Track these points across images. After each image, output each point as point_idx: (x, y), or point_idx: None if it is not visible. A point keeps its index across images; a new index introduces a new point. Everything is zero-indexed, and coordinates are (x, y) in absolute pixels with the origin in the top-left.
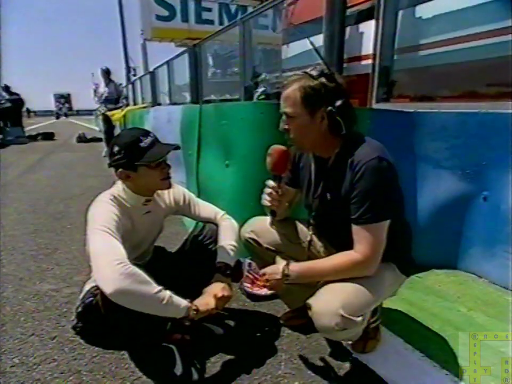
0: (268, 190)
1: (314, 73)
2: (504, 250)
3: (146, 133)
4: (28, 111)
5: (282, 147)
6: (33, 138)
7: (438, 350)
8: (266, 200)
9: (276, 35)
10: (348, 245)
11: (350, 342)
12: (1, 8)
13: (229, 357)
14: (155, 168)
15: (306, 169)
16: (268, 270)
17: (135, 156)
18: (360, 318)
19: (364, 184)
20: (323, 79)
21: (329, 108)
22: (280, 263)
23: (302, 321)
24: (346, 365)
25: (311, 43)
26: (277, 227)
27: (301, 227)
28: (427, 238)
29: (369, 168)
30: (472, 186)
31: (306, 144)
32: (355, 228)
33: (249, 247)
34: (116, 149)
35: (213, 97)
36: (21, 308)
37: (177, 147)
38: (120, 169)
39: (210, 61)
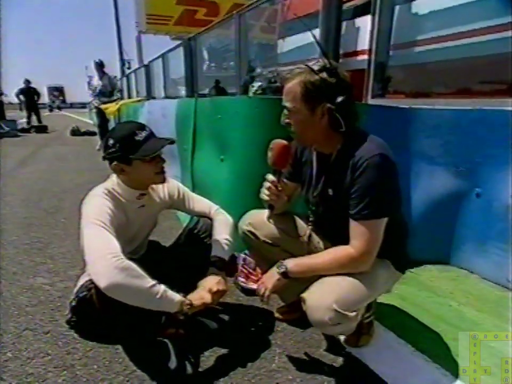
0: (267, 185)
1: (316, 67)
2: (495, 246)
3: (142, 127)
4: (20, 103)
5: (283, 142)
6: (26, 131)
7: (430, 344)
8: (265, 194)
9: None
10: (346, 241)
11: (343, 337)
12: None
13: (223, 351)
14: (150, 162)
15: (308, 164)
16: (263, 278)
17: (130, 150)
18: (353, 313)
19: (364, 180)
20: (324, 74)
21: (329, 105)
22: (272, 269)
23: (296, 315)
24: (340, 359)
25: (313, 36)
26: (275, 221)
27: (299, 221)
28: (420, 234)
29: (371, 165)
30: (465, 183)
31: (307, 139)
32: (352, 223)
33: (247, 239)
34: (111, 142)
35: (207, 91)
36: (14, 302)
37: (172, 141)
38: (114, 162)
39: (206, 55)
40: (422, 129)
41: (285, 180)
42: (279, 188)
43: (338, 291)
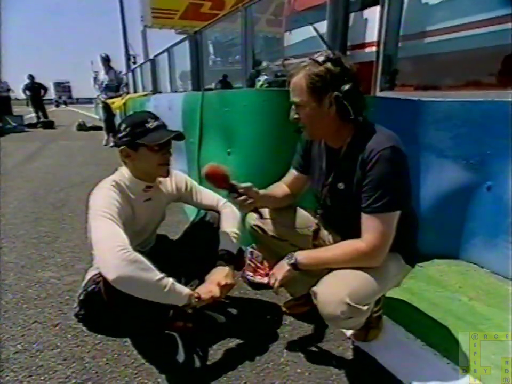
0: (236, 201)
1: (320, 59)
2: (506, 240)
3: (156, 117)
4: (27, 99)
5: (209, 168)
6: (33, 126)
7: (439, 339)
8: (241, 209)
9: None
10: (355, 234)
11: (352, 331)
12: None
13: (231, 344)
14: (155, 152)
15: (318, 158)
16: (274, 270)
17: (138, 135)
18: (366, 307)
19: (376, 173)
20: (328, 64)
21: (336, 93)
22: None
23: (304, 309)
24: (348, 354)
25: (315, 29)
26: (283, 215)
27: (307, 216)
28: (429, 228)
29: (382, 158)
30: (476, 176)
31: (317, 132)
32: (364, 217)
33: (254, 234)
34: (123, 126)
35: (213, 85)
36: (23, 295)
37: (181, 136)
38: (122, 147)
39: (211, 49)
40: (431, 121)
41: (241, 188)
42: (245, 198)
43: (350, 284)
